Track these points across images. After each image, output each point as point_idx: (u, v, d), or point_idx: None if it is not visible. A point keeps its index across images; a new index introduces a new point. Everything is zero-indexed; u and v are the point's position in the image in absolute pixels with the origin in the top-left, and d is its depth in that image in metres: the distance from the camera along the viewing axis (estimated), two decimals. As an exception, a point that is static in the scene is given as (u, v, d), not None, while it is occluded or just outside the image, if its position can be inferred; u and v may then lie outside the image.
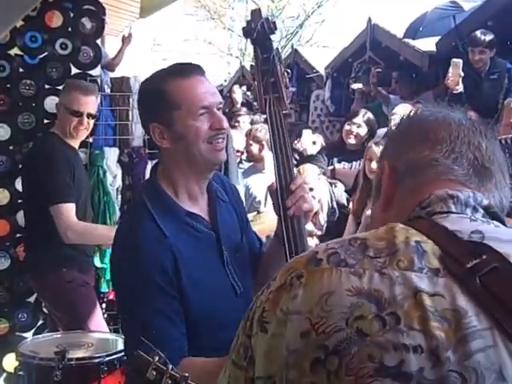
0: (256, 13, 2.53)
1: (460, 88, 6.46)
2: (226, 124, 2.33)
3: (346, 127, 6.54)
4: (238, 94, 11.02)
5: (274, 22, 2.52)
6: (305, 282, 1.14)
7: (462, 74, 6.42)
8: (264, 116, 2.54)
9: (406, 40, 9.17)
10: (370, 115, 6.66)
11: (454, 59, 6.46)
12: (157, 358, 1.78)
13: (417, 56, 8.75)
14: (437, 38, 8.42)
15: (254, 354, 1.18)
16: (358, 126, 6.48)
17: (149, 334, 2.15)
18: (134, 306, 2.25)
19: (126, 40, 8.08)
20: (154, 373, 1.76)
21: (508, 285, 1.09)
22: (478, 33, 6.77)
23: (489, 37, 6.70)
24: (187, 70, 2.34)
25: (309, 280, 1.14)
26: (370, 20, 10.08)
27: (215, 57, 27.84)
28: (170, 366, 1.78)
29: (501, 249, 1.14)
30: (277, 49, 2.52)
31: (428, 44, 8.60)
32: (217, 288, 2.35)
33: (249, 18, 2.54)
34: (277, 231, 2.46)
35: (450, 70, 6.42)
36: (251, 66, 2.60)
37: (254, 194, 5.56)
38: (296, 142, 7.01)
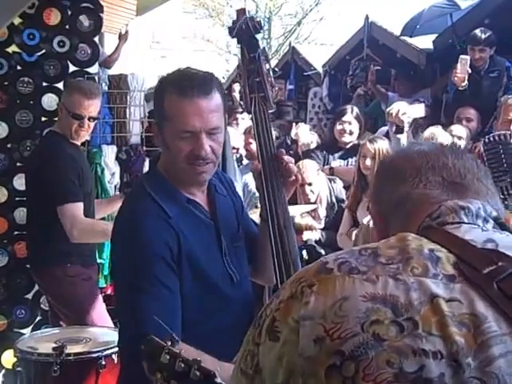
0: (241, 12, 2.54)
1: (466, 85, 6.48)
2: (206, 152, 2.31)
3: (338, 127, 6.53)
4: (238, 92, 10.99)
5: (259, 22, 2.53)
6: (316, 290, 1.13)
7: (470, 71, 6.44)
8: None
9: (403, 38, 9.17)
10: (357, 110, 6.70)
11: (462, 56, 6.47)
12: (169, 343, 1.82)
13: (414, 54, 8.74)
14: (433, 36, 8.42)
15: (261, 363, 1.16)
16: (350, 123, 6.50)
17: (150, 305, 2.22)
18: (135, 280, 2.26)
19: (122, 37, 8.07)
20: (168, 356, 1.80)
21: None
22: (477, 31, 6.76)
23: (488, 35, 6.70)
24: (188, 89, 2.29)
25: (321, 288, 1.13)
26: (367, 18, 10.06)
27: (214, 54, 27.87)
28: (183, 350, 1.80)
29: None
30: (263, 48, 2.53)
31: (425, 42, 8.60)
32: (216, 274, 2.38)
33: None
34: (261, 212, 2.53)
35: (458, 66, 6.44)
36: (237, 65, 2.63)
37: (253, 190, 5.58)
38: (295, 128, 7.00)
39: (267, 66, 2.51)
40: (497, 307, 1.07)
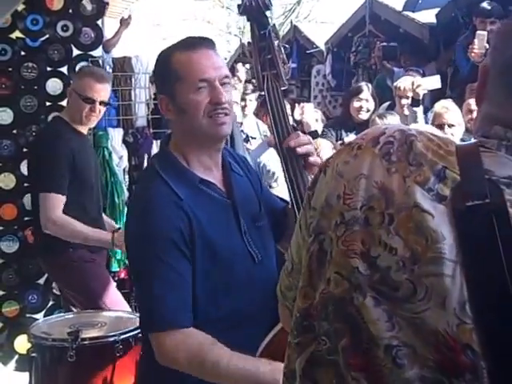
0: None
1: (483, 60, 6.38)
2: (225, 98, 2.28)
3: (356, 104, 6.46)
4: (242, 71, 10.92)
5: None
6: (359, 154, 1.33)
7: (488, 46, 6.38)
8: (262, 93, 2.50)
9: (406, 13, 9.12)
10: (372, 87, 6.68)
11: (479, 31, 6.39)
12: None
13: (417, 28, 8.69)
14: (436, 10, 8.36)
15: (315, 188, 1.41)
16: (367, 100, 6.48)
17: (163, 290, 2.18)
18: (148, 265, 2.22)
19: (124, 22, 8.01)
20: None
21: (488, 235, 1.17)
22: (485, 4, 6.67)
23: (496, 6, 6.62)
24: (194, 43, 2.32)
25: (361, 155, 1.33)
26: (368, -6, 10.03)
27: (214, 35, 27.69)
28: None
29: None
30: (273, 25, 2.47)
31: (428, 16, 8.54)
32: (234, 254, 2.33)
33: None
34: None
35: (476, 42, 6.34)
36: (248, 43, 2.57)
37: (272, 170, 5.50)
38: (298, 108, 6.95)
39: (277, 42, 2.46)
40: (458, 237, 1.18)
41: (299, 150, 2.34)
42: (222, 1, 27.50)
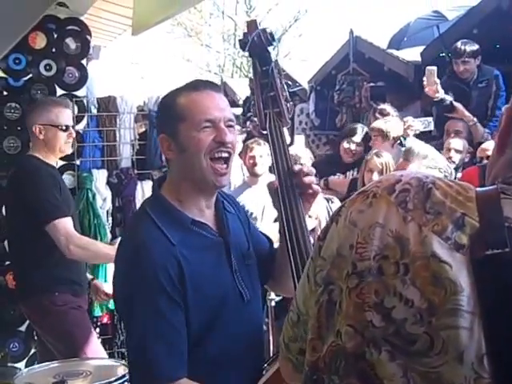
0: (252, 24, 2.46)
1: (440, 95, 6.40)
2: (229, 139, 2.26)
3: (345, 145, 6.49)
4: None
5: (272, 33, 2.45)
6: (374, 203, 1.29)
7: (438, 81, 6.37)
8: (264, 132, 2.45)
9: (390, 51, 9.12)
10: (366, 130, 6.65)
11: (428, 67, 6.42)
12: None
13: (402, 66, 8.69)
14: (421, 48, 8.37)
15: (327, 235, 1.36)
16: (357, 144, 6.47)
17: (153, 341, 2.15)
18: (137, 313, 2.19)
19: None
20: None
21: (508, 286, 1.14)
22: (459, 44, 6.67)
23: (470, 47, 6.60)
24: (197, 85, 2.32)
25: (376, 204, 1.29)
26: (351, 32, 10.03)
27: (194, 74, 27.79)
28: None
29: None
30: (276, 61, 2.44)
31: (413, 54, 8.55)
32: (224, 296, 2.30)
33: (244, 31, 2.49)
34: (280, 229, 2.42)
35: (425, 78, 6.42)
36: (250, 79, 2.53)
37: (250, 210, 5.46)
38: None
39: (280, 79, 2.43)
40: (477, 287, 1.14)
41: (306, 179, 2.34)
42: (201, 39, 27.69)
